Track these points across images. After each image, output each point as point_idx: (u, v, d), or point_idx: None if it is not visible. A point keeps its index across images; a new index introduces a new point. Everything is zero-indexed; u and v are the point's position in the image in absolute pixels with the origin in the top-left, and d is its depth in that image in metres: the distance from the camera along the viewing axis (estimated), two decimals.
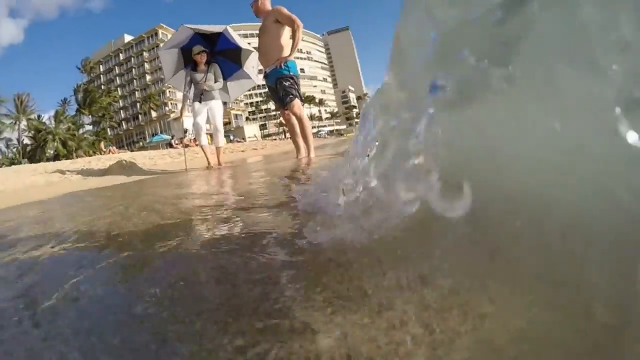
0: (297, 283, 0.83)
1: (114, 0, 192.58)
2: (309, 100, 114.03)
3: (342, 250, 0.94)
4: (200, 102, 6.70)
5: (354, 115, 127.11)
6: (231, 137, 54.22)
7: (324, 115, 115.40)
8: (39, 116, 64.76)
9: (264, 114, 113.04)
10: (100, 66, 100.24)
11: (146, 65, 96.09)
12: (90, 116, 76.25)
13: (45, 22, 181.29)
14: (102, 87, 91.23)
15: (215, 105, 6.86)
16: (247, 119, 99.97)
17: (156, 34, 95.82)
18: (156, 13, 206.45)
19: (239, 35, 7.81)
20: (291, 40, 5.37)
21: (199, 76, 6.73)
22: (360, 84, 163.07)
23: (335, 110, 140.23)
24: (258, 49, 5.81)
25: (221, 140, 7.03)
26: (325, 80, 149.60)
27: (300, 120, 5.42)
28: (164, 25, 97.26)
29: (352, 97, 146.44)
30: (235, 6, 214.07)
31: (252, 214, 1.63)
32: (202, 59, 6.76)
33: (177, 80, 7.49)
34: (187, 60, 7.19)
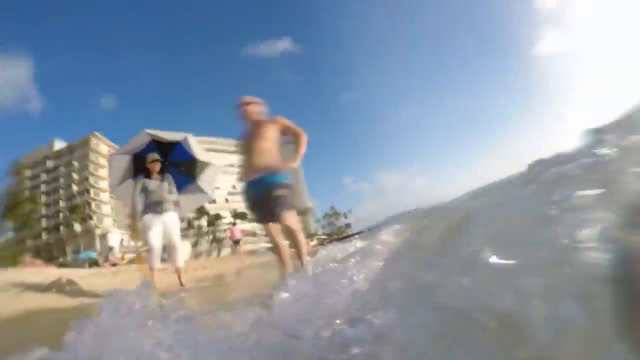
0: None
1: (52, 102, 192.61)
2: (241, 216, 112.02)
3: None
4: (153, 214, 6.25)
5: None
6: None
7: (260, 232, 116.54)
8: None
9: (196, 231, 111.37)
10: (28, 171, 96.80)
11: (74, 175, 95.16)
12: (9, 223, 73.58)
13: None
14: (26, 192, 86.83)
15: (172, 219, 6.47)
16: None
17: (88, 142, 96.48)
18: (92, 120, 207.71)
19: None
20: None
21: (152, 185, 6.40)
22: (303, 195, 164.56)
23: None
24: (246, 151, 5.26)
25: (181, 259, 6.71)
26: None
27: (293, 232, 4.99)
28: (98, 134, 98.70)
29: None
30: (180, 115, 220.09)
31: None
32: (156, 167, 6.51)
33: (122, 190, 7.12)
34: (137, 170, 6.88)
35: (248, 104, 5.32)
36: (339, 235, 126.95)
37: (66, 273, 13.47)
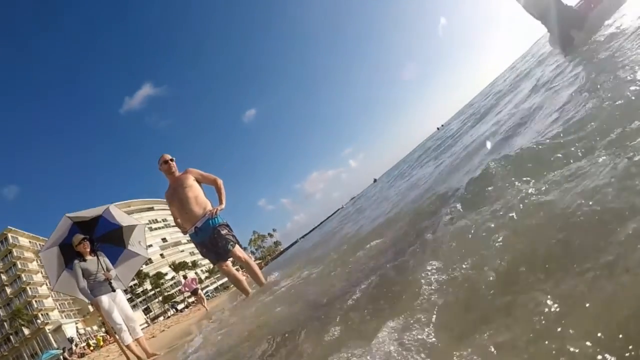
0: None
1: None
2: (182, 266, 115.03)
3: None
4: (106, 295, 6.45)
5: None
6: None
7: (203, 276, 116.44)
8: None
9: (143, 297, 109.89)
10: None
11: (2, 277, 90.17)
12: None
13: None
14: None
15: (121, 295, 6.72)
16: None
17: (6, 238, 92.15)
18: (1, 215, 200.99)
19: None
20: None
21: (92, 267, 6.47)
22: None
23: (211, 266, 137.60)
24: (177, 206, 5.82)
25: (139, 330, 6.81)
26: (189, 241, 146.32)
27: (246, 262, 5.77)
28: (12, 228, 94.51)
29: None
30: (85, 187, 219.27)
31: None
32: (86, 247, 6.58)
33: (63, 284, 7.03)
34: (68, 258, 6.82)
35: (172, 160, 5.99)
36: (271, 254, 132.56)
37: None
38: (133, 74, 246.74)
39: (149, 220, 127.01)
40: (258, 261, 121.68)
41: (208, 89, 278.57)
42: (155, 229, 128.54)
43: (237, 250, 5.72)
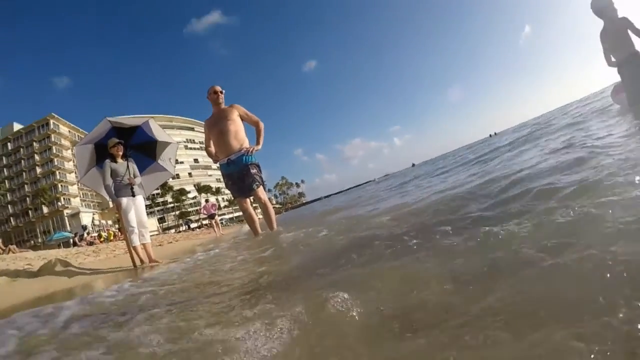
0: None
1: (4, 84, 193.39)
2: (205, 189, 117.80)
3: None
4: (126, 198, 6.82)
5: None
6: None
7: (223, 204, 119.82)
8: None
9: (161, 207, 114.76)
10: None
11: (36, 157, 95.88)
12: None
13: None
14: None
15: (140, 202, 7.06)
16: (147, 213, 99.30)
17: (47, 123, 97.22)
18: (47, 102, 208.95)
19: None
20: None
21: (121, 169, 6.87)
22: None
23: (232, 197, 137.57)
24: (215, 135, 6.03)
25: (148, 237, 7.11)
26: (219, 168, 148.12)
27: (265, 204, 5.92)
28: (56, 115, 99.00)
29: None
30: (135, 94, 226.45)
31: None
32: (119, 151, 6.95)
33: (90, 179, 7.51)
34: (100, 157, 7.26)
35: (221, 92, 6.21)
36: (292, 204, 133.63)
37: (48, 255, 13.18)
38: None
39: (187, 139, 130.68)
40: (277, 206, 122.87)
41: (275, 29, 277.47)
42: (191, 148, 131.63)
43: (260, 191, 5.95)
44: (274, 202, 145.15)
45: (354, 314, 1.46)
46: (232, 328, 1.59)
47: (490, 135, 63.46)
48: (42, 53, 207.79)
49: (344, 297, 1.57)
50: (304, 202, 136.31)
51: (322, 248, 3.50)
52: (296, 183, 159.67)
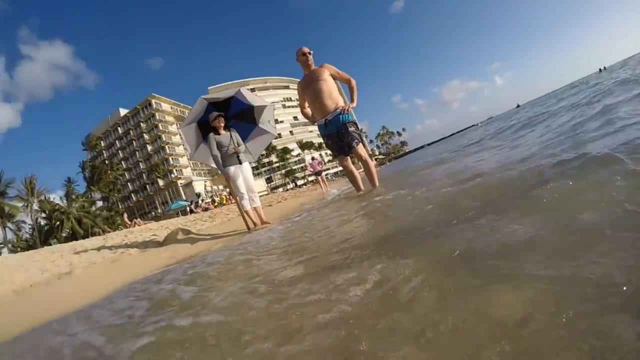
0: None
1: (105, 74, 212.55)
2: (308, 146, 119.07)
3: None
4: (233, 166, 7.18)
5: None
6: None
7: (326, 159, 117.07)
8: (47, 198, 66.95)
9: (267, 167, 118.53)
10: (102, 142, 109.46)
11: (145, 136, 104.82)
12: (99, 193, 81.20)
13: (40, 103, 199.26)
14: (106, 162, 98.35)
15: (247, 168, 7.42)
16: (253, 174, 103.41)
17: (149, 104, 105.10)
18: (146, 83, 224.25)
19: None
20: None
21: (225, 140, 7.21)
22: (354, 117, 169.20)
23: None
24: (310, 96, 6.16)
25: (258, 200, 7.44)
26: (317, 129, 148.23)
27: (366, 160, 5.96)
28: (156, 95, 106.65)
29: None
30: (225, 62, 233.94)
31: None
32: (221, 122, 7.28)
33: (200, 154, 7.96)
34: (205, 133, 7.66)
35: (309, 53, 6.25)
36: (395, 153, 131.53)
37: (169, 224, 14.60)
38: None
39: (283, 98, 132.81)
40: (381, 156, 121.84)
41: None
42: (289, 107, 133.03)
43: (360, 148, 5.94)
44: (377, 152, 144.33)
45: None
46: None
47: (600, 70, 58.07)
48: (133, 39, 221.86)
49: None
50: (407, 151, 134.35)
51: (430, 206, 3.03)
52: (397, 132, 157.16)
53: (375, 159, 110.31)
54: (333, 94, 6.06)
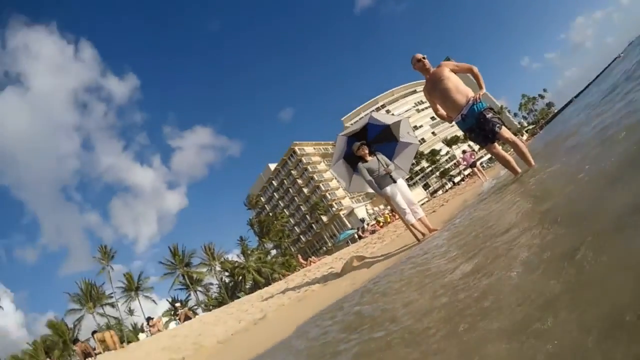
0: None
1: (246, 139, 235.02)
2: (454, 141, 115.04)
3: None
4: (389, 186, 7.38)
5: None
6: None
7: (476, 147, 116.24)
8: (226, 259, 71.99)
9: (421, 175, 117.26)
10: (261, 198, 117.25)
11: (299, 181, 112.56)
12: (270, 242, 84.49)
13: (199, 181, 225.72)
14: (270, 214, 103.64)
15: (402, 183, 7.58)
16: (408, 185, 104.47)
17: (294, 152, 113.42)
18: (285, 134, 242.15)
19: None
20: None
21: (374, 165, 7.46)
22: (491, 100, 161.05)
23: None
24: (439, 98, 6.21)
25: (421, 210, 7.55)
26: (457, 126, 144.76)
27: (514, 142, 5.79)
28: (297, 142, 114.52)
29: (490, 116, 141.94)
30: (347, 93, 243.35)
31: None
32: (365, 150, 7.57)
33: (355, 185, 8.41)
34: (353, 164, 8.05)
35: (423, 58, 6.32)
36: (545, 118, 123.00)
37: (343, 254, 15.07)
38: None
39: (415, 103, 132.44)
40: (531, 127, 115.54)
41: None
42: (422, 109, 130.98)
43: (504, 131, 5.83)
44: (525, 123, 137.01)
45: None
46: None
47: None
48: (260, 101, 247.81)
49: None
50: (555, 112, 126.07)
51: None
52: (539, 95, 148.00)
53: (526, 131, 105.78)
54: (460, 88, 6.03)
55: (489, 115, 5.82)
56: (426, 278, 2.85)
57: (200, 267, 66.60)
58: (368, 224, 50.99)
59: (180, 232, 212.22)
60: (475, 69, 6.12)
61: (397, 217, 8.73)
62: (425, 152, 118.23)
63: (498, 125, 5.80)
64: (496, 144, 6.04)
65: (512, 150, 6.29)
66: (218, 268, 68.70)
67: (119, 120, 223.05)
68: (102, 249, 64.47)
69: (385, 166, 7.49)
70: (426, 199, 69.99)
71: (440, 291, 2.20)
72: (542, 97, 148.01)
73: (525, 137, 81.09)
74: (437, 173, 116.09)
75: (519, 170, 6.00)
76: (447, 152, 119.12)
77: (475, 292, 1.88)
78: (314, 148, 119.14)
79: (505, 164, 6.12)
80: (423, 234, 7.33)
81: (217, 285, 69.25)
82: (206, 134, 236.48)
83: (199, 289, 66.33)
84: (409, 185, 8.86)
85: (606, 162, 2.75)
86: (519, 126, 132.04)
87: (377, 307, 2.76)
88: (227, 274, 69.78)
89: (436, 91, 6.17)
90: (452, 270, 2.49)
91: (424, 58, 6.31)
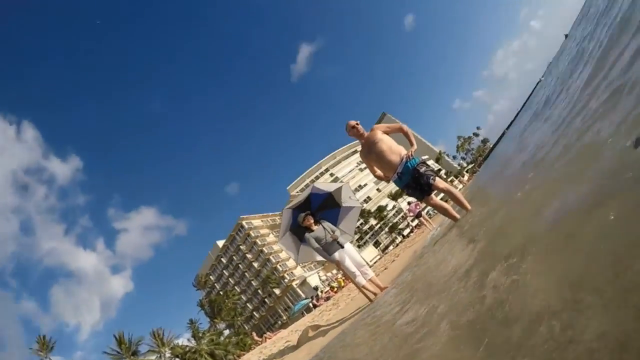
0: None
1: (193, 217, 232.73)
2: (399, 194, 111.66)
3: None
4: (337, 252, 7.62)
5: (445, 177, 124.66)
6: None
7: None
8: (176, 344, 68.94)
9: (371, 233, 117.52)
10: (210, 277, 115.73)
11: (248, 256, 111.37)
12: (223, 322, 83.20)
13: (145, 263, 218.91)
14: (220, 292, 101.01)
15: (349, 247, 7.86)
16: (358, 246, 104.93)
17: (242, 226, 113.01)
18: (232, 209, 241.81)
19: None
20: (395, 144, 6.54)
21: (320, 233, 7.71)
22: (429, 147, 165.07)
23: None
24: (375, 160, 6.49)
25: (370, 271, 7.79)
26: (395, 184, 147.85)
27: (448, 190, 6.12)
28: (244, 216, 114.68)
29: (431, 163, 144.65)
30: (289, 161, 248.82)
31: None
32: (310, 220, 7.86)
33: (304, 256, 8.64)
34: (300, 235, 8.29)
35: (357, 124, 6.64)
36: (482, 155, 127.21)
37: (298, 326, 15.17)
38: (285, 43, 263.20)
39: (357, 163, 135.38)
40: (470, 166, 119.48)
41: (357, 16, 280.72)
42: (365, 168, 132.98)
43: (438, 182, 6.11)
44: (465, 164, 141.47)
45: None
46: None
47: None
48: (204, 177, 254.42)
49: None
50: (491, 147, 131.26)
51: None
52: (474, 133, 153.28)
53: (467, 171, 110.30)
54: (394, 148, 6.38)
55: (422, 169, 6.14)
56: (375, 335, 3.08)
57: (148, 354, 63.44)
58: (322, 291, 51.74)
59: (126, 318, 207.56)
60: (405, 128, 6.54)
61: (350, 280, 9.32)
62: (372, 209, 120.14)
63: (432, 177, 6.11)
64: (433, 195, 6.32)
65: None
66: (168, 355, 65.28)
67: (61, 202, 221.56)
68: (40, 340, 61.28)
69: (331, 233, 7.77)
70: (378, 257, 71.27)
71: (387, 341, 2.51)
72: (476, 135, 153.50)
73: (466, 177, 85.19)
74: (386, 229, 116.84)
75: (458, 216, 6.45)
76: (394, 206, 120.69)
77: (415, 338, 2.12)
78: (262, 220, 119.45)
79: (444, 212, 6.49)
80: (375, 294, 7.58)
81: None
82: (151, 214, 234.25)
83: None
84: (360, 246, 10.14)
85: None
86: (459, 168, 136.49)
87: None
88: None
89: (372, 154, 6.45)
90: (394, 322, 2.82)
91: (357, 124, 6.64)
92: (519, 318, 1.34)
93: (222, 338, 72.42)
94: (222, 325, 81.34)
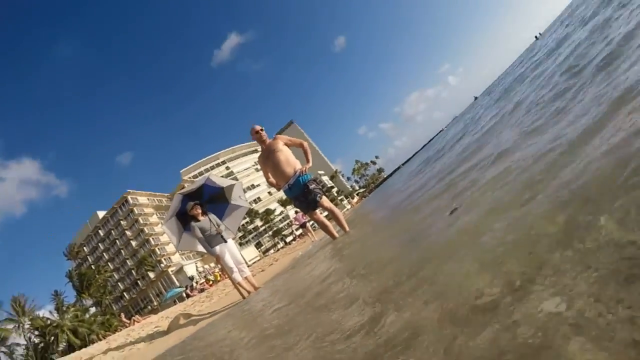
0: None
1: (77, 180, 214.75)
2: (289, 202, 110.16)
3: None
4: (219, 245, 7.92)
5: (336, 195, 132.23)
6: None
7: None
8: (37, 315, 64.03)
9: (254, 233, 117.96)
10: (84, 248, 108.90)
11: (128, 233, 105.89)
12: (90, 299, 78.79)
13: (14, 219, 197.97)
14: (92, 266, 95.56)
15: (231, 243, 8.18)
16: (240, 244, 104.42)
17: (126, 200, 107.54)
18: (120, 181, 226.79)
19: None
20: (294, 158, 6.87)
21: (206, 224, 7.93)
22: (326, 163, 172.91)
23: None
24: (271, 167, 6.78)
25: (247, 270, 8.19)
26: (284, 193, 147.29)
27: (331, 210, 6.58)
28: (131, 190, 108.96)
29: (326, 179, 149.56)
30: (192, 143, 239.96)
31: None
32: (198, 210, 8.04)
33: (185, 243, 8.65)
34: (185, 223, 8.39)
35: (261, 130, 6.87)
36: (374, 182, 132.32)
37: (169, 313, 14.93)
38: (217, 27, 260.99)
39: (254, 162, 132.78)
40: (361, 190, 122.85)
41: (293, 24, 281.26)
42: (260, 170, 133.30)
43: (324, 201, 6.55)
44: (357, 187, 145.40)
45: None
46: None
47: (537, 37, 58.76)
48: (98, 140, 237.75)
49: None
50: (385, 177, 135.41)
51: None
52: (371, 161, 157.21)
53: (357, 194, 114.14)
54: (290, 160, 6.74)
55: (312, 186, 6.57)
56: (244, 329, 3.45)
57: (5, 322, 58.60)
58: (197, 282, 51.03)
59: None
60: (305, 145, 6.92)
61: (226, 275, 9.20)
62: (260, 211, 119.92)
63: (319, 195, 6.55)
64: (317, 211, 6.80)
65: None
66: (27, 325, 60.52)
67: None
68: None
69: (216, 226, 8.05)
70: (258, 258, 71.34)
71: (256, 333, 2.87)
72: (374, 163, 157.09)
73: (355, 199, 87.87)
74: (271, 232, 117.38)
75: (336, 234, 6.93)
76: (282, 212, 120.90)
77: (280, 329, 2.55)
78: (148, 199, 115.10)
79: (324, 228, 6.96)
80: (249, 292, 7.97)
81: (23, 347, 60.54)
82: (33, 168, 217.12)
83: (2, 349, 58.06)
84: (242, 244, 9.87)
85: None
86: (350, 189, 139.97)
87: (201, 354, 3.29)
88: (37, 333, 61.39)
89: (269, 161, 6.79)
90: (261, 316, 3.35)
91: (261, 130, 6.91)
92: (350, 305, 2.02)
93: (87, 315, 68.81)
94: (89, 302, 76.75)
